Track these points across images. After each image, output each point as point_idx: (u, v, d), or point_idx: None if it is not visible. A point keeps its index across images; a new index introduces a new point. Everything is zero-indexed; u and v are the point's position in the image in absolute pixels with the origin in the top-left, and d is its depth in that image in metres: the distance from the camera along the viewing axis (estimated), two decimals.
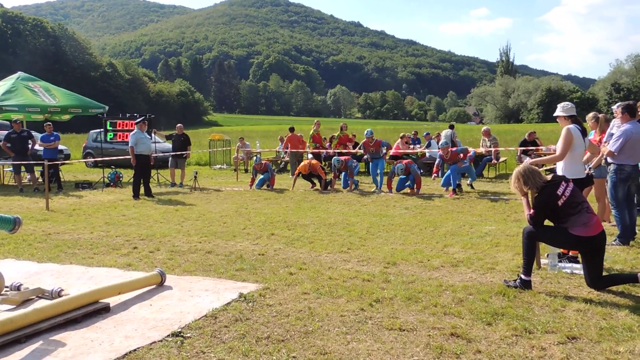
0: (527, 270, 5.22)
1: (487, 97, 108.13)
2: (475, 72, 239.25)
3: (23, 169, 15.19)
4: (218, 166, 22.29)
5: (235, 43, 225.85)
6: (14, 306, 4.78)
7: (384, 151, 14.18)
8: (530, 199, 5.42)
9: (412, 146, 18.94)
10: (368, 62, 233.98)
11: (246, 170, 19.91)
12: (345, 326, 4.31)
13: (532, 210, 5.29)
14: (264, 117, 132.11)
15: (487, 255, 6.56)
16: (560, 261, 6.02)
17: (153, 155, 13.18)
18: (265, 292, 5.19)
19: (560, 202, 5.10)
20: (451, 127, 19.09)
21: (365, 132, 13.88)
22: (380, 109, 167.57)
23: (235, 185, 15.36)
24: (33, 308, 4.37)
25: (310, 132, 18.66)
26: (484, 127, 18.61)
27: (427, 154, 18.04)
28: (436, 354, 3.76)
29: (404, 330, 4.21)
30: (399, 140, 18.31)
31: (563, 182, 5.22)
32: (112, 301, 4.90)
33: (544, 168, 10.40)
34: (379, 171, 13.62)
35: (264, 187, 14.31)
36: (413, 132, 20.87)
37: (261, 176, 14.41)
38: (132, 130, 14.13)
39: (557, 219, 5.21)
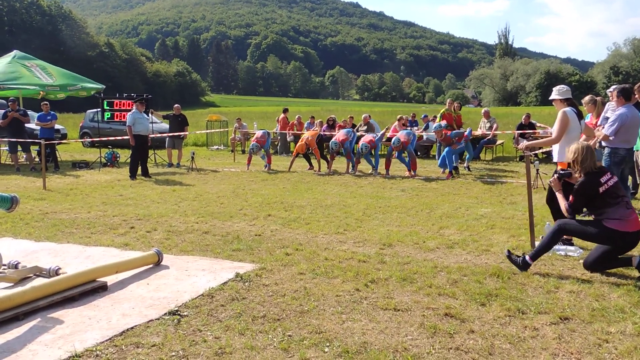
0: (536, 255, 5.22)
1: (485, 79, 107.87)
2: (474, 54, 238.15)
3: (19, 148, 15.15)
4: (215, 147, 22.26)
5: (233, 23, 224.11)
6: (12, 284, 4.81)
7: (379, 134, 14.08)
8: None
9: (409, 128, 18.92)
10: (366, 43, 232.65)
11: (243, 152, 19.91)
12: (340, 306, 4.35)
13: (570, 198, 5.25)
14: (261, 98, 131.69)
15: (482, 237, 6.61)
16: None
17: (150, 136, 13.14)
18: (261, 272, 5.23)
19: (601, 189, 5.06)
20: None
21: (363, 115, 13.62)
22: (378, 91, 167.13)
23: (232, 166, 15.36)
24: (31, 286, 4.40)
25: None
26: (484, 109, 18.61)
27: (425, 137, 18.05)
28: (430, 333, 3.81)
29: (398, 310, 4.26)
30: (396, 122, 18.29)
31: (608, 173, 5.20)
32: (110, 280, 4.93)
33: (540, 151, 10.44)
34: (373, 152, 13.53)
35: (264, 168, 14.34)
36: (411, 115, 20.85)
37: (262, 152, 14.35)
38: (130, 110, 14.08)
39: (594, 208, 5.17)
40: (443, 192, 10.31)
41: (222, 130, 22.77)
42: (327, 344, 3.64)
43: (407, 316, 4.14)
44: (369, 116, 19.69)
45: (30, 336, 3.82)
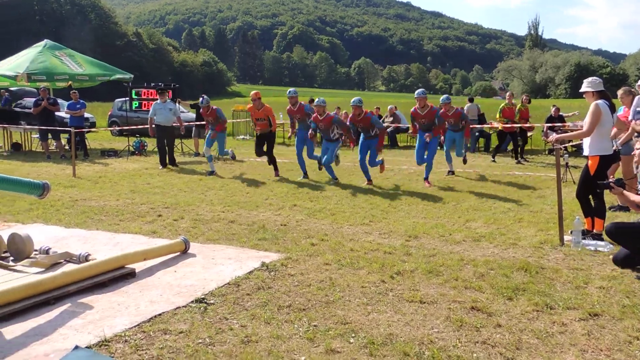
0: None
1: (514, 71, 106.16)
2: (502, 45, 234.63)
3: (50, 136, 15.40)
4: (241, 137, 22.36)
5: (260, 13, 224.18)
6: (43, 269, 4.90)
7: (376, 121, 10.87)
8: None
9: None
10: (393, 34, 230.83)
11: None
12: (366, 297, 4.35)
13: None
14: (287, 88, 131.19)
15: (509, 231, 6.53)
16: (584, 238, 5.97)
17: (175, 125, 13.21)
18: (287, 262, 5.25)
19: None
20: (471, 100, 18.82)
21: (352, 100, 9.96)
22: (404, 82, 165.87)
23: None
24: (62, 271, 4.48)
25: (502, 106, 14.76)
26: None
27: None
28: (456, 326, 3.78)
29: (424, 302, 4.24)
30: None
31: None
32: (138, 267, 5.00)
33: (570, 144, 10.26)
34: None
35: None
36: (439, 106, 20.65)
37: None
38: (156, 99, 14.20)
39: None
40: (469, 184, 10.22)
41: (247, 120, 22.82)
42: (353, 335, 3.65)
43: (433, 309, 4.12)
44: (395, 107, 19.62)
45: (61, 320, 3.89)
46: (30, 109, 16.52)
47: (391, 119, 19.15)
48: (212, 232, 6.44)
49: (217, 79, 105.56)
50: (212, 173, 11.63)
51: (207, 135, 12.16)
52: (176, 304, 4.20)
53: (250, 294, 4.43)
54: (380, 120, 16.38)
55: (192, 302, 4.24)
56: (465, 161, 12.01)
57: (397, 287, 4.60)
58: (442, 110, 10.72)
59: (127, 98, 17.75)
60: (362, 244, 5.94)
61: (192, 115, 19.34)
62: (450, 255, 5.49)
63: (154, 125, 12.91)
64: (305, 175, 10.91)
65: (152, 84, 18.04)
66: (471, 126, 16.94)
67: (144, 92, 17.28)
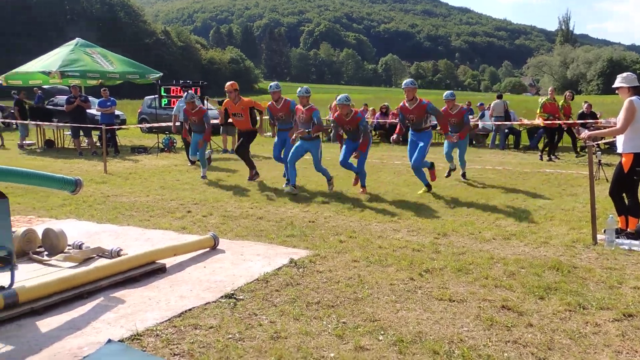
0: None
1: (544, 67, 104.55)
2: (532, 41, 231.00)
3: (81, 133, 15.67)
4: (268, 133, 22.38)
5: (286, 10, 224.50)
6: (76, 264, 4.99)
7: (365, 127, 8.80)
8: None
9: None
10: (420, 30, 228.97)
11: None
12: (394, 294, 4.34)
13: None
14: (314, 85, 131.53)
15: (540, 229, 6.44)
16: (617, 237, 5.85)
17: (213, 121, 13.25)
18: (315, 259, 5.26)
19: None
20: (499, 97, 18.53)
21: (338, 98, 8.68)
22: (432, 79, 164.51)
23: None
24: (94, 266, 4.56)
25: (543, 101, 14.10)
26: (542, 98, 18.08)
27: (480, 125, 17.69)
28: (486, 325, 3.75)
29: (453, 301, 4.21)
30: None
31: None
32: (168, 262, 5.06)
33: (602, 141, 10.06)
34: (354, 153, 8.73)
35: None
36: (467, 103, 20.43)
37: None
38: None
39: None
40: (499, 182, 10.10)
41: None
42: (382, 332, 3.64)
43: (462, 307, 4.08)
44: None
45: (94, 314, 3.96)
46: (63, 106, 16.85)
47: None
48: (241, 229, 6.48)
49: (244, 76, 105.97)
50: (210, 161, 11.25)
51: (192, 142, 10.56)
52: (206, 299, 4.24)
53: (279, 290, 4.45)
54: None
55: (222, 297, 4.28)
56: (464, 175, 10.30)
57: (426, 285, 4.57)
58: (444, 108, 9.66)
59: (157, 95, 17.94)
60: (390, 241, 5.92)
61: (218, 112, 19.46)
62: (480, 254, 5.43)
63: (178, 123, 13.02)
64: (290, 183, 8.83)
65: (181, 82, 18.22)
66: (497, 123, 16.79)
67: (173, 90, 17.44)
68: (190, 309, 4.04)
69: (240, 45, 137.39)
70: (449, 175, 10.32)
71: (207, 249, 5.55)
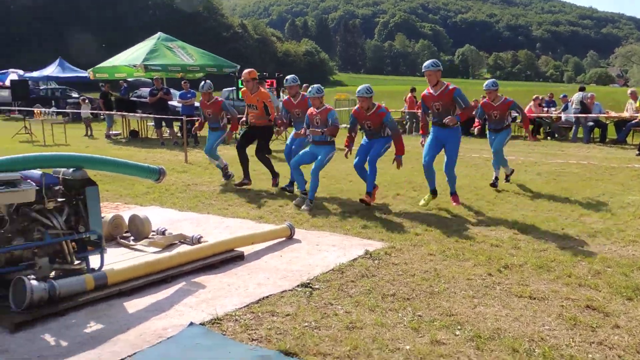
0: None
1: (633, 57, 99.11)
2: (620, 29, 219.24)
3: (164, 124, 16.27)
4: (344, 125, 22.43)
5: (361, 2, 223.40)
6: (160, 249, 5.20)
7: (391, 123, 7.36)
8: None
9: (545, 109, 17.95)
10: (499, 19, 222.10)
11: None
12: (472, 290, 4.26)
13: None
14: (389, 77, 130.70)
15: (629, 227, 6.13)
16: None
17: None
18: (390, 251, 5.24)
19: None
20: (582, 89, 17.69)
21: (358, 89, 7.33)
22: (511, 70, 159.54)
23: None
24: (177, 252, 4.75)
25: None
26: (631, 89, 17.17)
27: (563, 118, 17.00)
28: (569, 325, 3.62)
29: (534, 298, 4.08)
30: (532, 102, 17.42)
31: None
32: (246, 250, 5.18)
33: None
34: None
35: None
36: (549, 94, 19.69)
37: None
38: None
39: None
40: (584, 177, 9.68)
41: (349, 108, 22.92)
42: (459, 327, 3.58)
43: (543, 305, 3.96)
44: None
45: (177, 298, 4.13)
46: (146, 98, 17.55)
47: None
48: (317, 219, 6.54)
49: (319, 68, 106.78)
50: (227, 175, 9.25)
51: (212, 139, 9.27)
52: (283, 287, 4.32)
53: (354, 281, 4.47)
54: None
55: (298, 286, 4.34)
56: (507, 178, 8.92)
57: (505, 281, 4.46)
58: (485, 100, 8.64)
59: (234, 88, 18.36)
60: (467, 235, 5.81)
61: None
62: (563, 251, 5.24)
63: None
64: (300, 188, 7.75)
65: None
66: (578, 115, 16.04)
67: None
68: (267, 296, 4.12)
69: (315, 38, 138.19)
70: (507, 180, 8.89)
71: (284, 239, 5.64)
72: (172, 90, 18.09)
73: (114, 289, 4.08)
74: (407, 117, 20.08)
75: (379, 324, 3.62)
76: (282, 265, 4.89)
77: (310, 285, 4.36)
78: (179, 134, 16.31)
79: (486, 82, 8.76)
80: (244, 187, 8.62)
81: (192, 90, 16.44)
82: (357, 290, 4.27)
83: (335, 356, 3.20)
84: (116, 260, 4.72)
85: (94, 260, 4.37)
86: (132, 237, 5.50)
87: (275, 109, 9.10)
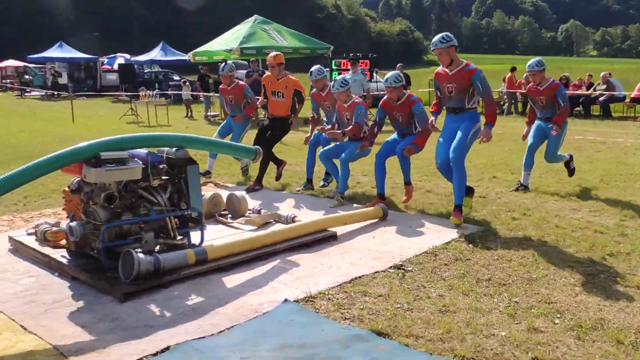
0: None
1: None
2: None
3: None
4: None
5: None
6: (255, 227, 5.35)
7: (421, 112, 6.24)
8: None
9: None
10: None
11: None
12: (573, 277, 4.08)
13: None
14: (486, 56, 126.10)
15: None
16: None
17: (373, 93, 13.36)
18: (486, 235, 5.11)
19: None
20: None
21: (386, 78, 6.40)
22: (620, 46, 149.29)
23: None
24: (272, 230, 4.87)
25: None
26: None
27: None
28: None
29: None
30: None
31: None
32: (339, 230, 5.24)
33: None
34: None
35: None
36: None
37: None
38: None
39: None
40: None
41: None
42: (558, 316, 3.45)
43: None
44: (609, 74, 17.85)
45: (272, 275, 4.25)
46: (242, 80, 17.99)
47: (604, 86, 17.45)
48: (410, 201, 6.48)
49: (413, 48, 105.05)
50: (207, 173, 8.11)
51: (236, 131, 8.18)
52: (375, 268, 4.33)
53: (447, 264, 4.41)
54: (593, 89, 14.99)
55: (391, 267, 4.34)
56: (571, 171, 7.33)
57: (610, 269, 4.23)
58: (530, 85, 7.15)
59: (328, 69, 18.44)
60: (568, 220, 5.55)
61: None
62: None
63: None
64: (324, 182, 7.48)
65: (351, 55, 18.50)
66: None
67: (343, 63, 17.79)
68: (360, 277, 4.16)
69: (409, 17, 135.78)
70: (517, 189, 7.02)
71: (376, 220, 5.65)
72: (267, 72, 18.45)
73: (213, 264, 4.26)
74: (505, 97, 19.37)
75: (473, 309, 3.56)
76: (374, 246, 4.90)
77: (403, 267, 4.35)
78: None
79: (529, 61, 7.05)
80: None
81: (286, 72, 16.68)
82: (450, 273, 4.21)
83: (428, 339, 3.18)
84: (215, 236, 4.92)
85: (195, 236, 4.57)
86: (229, 215, 5.70)
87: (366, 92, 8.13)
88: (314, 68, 7.42)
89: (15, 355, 3.06)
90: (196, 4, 73.91)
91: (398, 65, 17.41)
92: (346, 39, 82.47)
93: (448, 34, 5.71)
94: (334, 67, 17.87)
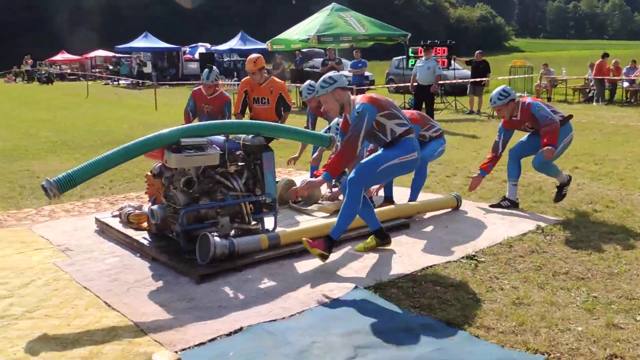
0: None
1: None
2: None
3: None
4: (518, 94, 21.26)
5: None
6: (328, 214, 5.40)
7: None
8: None
9: None
10: None
11: (549, 99, 18.67)
12: None
13: None
14: (572, 41, 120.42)
15: None
16: None
17: (452, 82, 13.12)
18: (565, 227, 4.94)
19: None
20: None
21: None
22: None
23: None
24: None
25: None
26: None
27: None
28: None
29: None
30: None
31: None
32: (411, 220, 5.21)
33: None
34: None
35: None
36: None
37: None
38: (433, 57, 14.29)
39: None
40: None
41: (526, 76, 21.64)
42: None
43: None
44: None
45: (342, 261, 4.29)
46: (319, 68, 18.10)
47: None
48: (485, 191, 6.35)
49: (493, 34, 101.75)
50: None
51: None
52: (447, 258, 4.29)
53: (523, 256, 4.30)
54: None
55: (463, 257, 4.28)
56: (560, 196, 5.64)
57: None
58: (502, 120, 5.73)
59: (404, 56, 18.23)
60: None
61: (467, 72, 19.03)
62: None
63: (415, 84, 13.11)
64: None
65: (428, 42, 18.20)
66: None
67: (420, 50, 17.52)
68: (431, 266, 4.13)
69: (491, 1, 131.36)
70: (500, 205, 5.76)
71: (450, 209, 5.57)
72: (343, 60, 18.45)
73: (286, 250, 4.35)
74: (592, 83, 18.47)
75: (549, 302, 3.46)
76: (446, 236, 4.84)
77: (476, 257, 4.28)
78: None
79: (491, 95, 5.59)
80: None
81: (363, 60, 16.65)
82: (525, 265, 4.10)
83: (500, 330, 3.13)
84: (288, 223, 5.01)
85: (268, 222, 4.68)
86: (302, 202, 5.78)
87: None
88: (303, 87, 6.46)
89: (100, 330, 3.26)
90: None
91: (477, 52, 16.95)
92: (424, 26, 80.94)
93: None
94: (410, 54, 17.64)
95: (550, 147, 5.03)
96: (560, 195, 5.60)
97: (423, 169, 5.66)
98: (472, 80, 15.93)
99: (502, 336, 3.07)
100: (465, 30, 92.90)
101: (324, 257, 4.13)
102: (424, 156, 5.33)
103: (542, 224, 4.99)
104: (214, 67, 6.35)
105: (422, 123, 5.59)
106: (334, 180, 5.41)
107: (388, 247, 4.52)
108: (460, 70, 19.94)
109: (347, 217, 4.22)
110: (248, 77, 6.86)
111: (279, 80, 7.07)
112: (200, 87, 6.35)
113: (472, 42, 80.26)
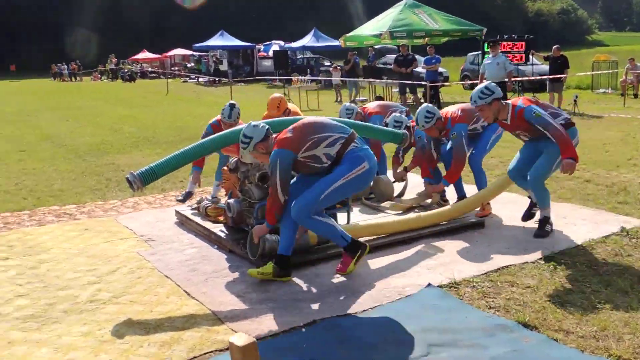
0: None
1: None
2: None
3: (407, 90, 16.53)
4: (602, 90, 20.39)
5: None
6: (400, 211, 5.37)
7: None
8: None
9: None
10: None
11: (635, 96, 17.74)
12: None
13: None
14: None
15: None
16: None
17: (530, 78, 12.71)
18: None
19: None
20: None
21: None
22: None
23: (621, 112, 13.87)
24: (418, 215, 4.87)
25: None
26: None
27: None
28: None
29: None
30: None
31: None
32: (486, 219, 5.10)
33: None
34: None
35: None
36: None
37: None
38: (508, 52, 13.90)
39: None
40: None
41: (610, 71, 20.64)
42: None
43: None
44: None
45: (415, 259, 4.27)
46: (391, 65, 17.98)
47: None
48: (565, 191, 6.13)
49: (575, 28, 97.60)
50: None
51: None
52: (524, 258, 4.18)
53: (605, 259, 4.13)
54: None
55: (541, 259, 4.16)
56: (527, 217, 5.01)
57: None
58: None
59: (480, 52, 17.81)
60: None
61: (545, 67, 18.36)
62: None
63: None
64: None
65: (505, 36, 17.71)
66: None
67: (503, 45, 17.05)
68: (507, 266, 4.03)
69: None
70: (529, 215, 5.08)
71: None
72: (417, 57, 18.24)
73: None
74: None
75: (633, 309, 3.31)
76: (523, 235, 4.72)
77: (555, 259, 4.14)
78: (422, 100, 16.46)
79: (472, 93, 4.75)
80: None
81: (437, 56, 16.38)
82: (608, 269, 3.94)
83: (580, 335, 3.02)
84: (361, 219, 5.02)
85: (341, 218, 4.71)
86: (375, 198, 5.78)
87: None
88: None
89: (180, 317, 3.40)
90: None
91: (554, 47, 16.32)
92: (500, 20, 78.67)
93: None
94: (486, 49, 17.21)
95: (569, 161, 4.31)
96: (527, 216, 4.98)
97: (476, 167, 5.42)
98: (551, 76, 15.36)
99: (582, 341, 2.97)
100: (545, 24, 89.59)
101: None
102: (477, 152, 5.27)
103: (627, 226, 4.77)
104: (236, 105, 5.61)
105: (467, 119, 5.24)
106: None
107: (467, 244, 4.46)
108: (539, 66, 19.25)
109: (332, 236, 3.95)
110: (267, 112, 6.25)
111: (293, 108, 6.37)
112: (220, 120, 5.64)
113: (552, 36, 77.28)
